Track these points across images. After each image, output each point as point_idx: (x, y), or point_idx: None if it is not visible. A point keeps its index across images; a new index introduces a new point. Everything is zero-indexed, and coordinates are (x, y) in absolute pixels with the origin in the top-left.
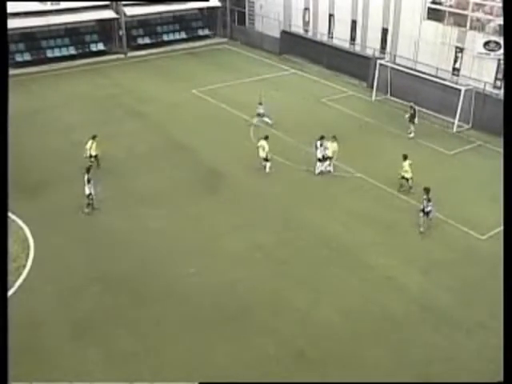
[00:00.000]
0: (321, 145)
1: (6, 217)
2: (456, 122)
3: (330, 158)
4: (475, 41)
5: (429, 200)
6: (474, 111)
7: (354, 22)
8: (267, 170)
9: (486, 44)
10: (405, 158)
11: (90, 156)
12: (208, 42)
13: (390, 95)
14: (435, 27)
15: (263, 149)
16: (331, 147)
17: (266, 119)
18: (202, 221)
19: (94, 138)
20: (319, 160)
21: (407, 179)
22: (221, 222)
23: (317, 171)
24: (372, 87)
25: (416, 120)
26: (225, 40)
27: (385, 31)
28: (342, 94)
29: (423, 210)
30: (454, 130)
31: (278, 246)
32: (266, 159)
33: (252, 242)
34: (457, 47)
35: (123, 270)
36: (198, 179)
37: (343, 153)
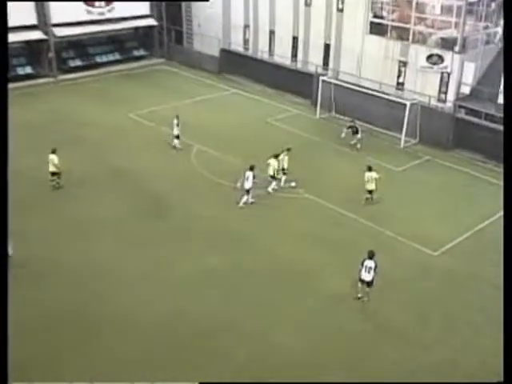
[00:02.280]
0: (253, 177)
1: (6, 217)
2: (403, 137)
3: (283, 173)
4: (418, 54)
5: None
6: (420, 125)
7: (295, 39)
8: (270, 189)
9: (429, 57)
10: (369, 169)
11: (52, 174)
12: (144, 62)
13: (335, 112)
14: (378, 41)
15: (273, 167)
16: (279, 162)
17: (176, 142)
18: (149, 249)
19: (53, 152)
20: (274, 177)
21: (370, 191)
22: (169, 248)
23: (270, 188)
24: (316, 105)
25: (359, 135)
26: (162, 60)
27: (327, 47)
28: (287, 113)
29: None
30: (402, 145)
31: (229, 270)
32: (273, 177)
33: (202, 268)
34: (400, 61)
35: (68, 303)
36: (143, 206)
37: (292, 173)
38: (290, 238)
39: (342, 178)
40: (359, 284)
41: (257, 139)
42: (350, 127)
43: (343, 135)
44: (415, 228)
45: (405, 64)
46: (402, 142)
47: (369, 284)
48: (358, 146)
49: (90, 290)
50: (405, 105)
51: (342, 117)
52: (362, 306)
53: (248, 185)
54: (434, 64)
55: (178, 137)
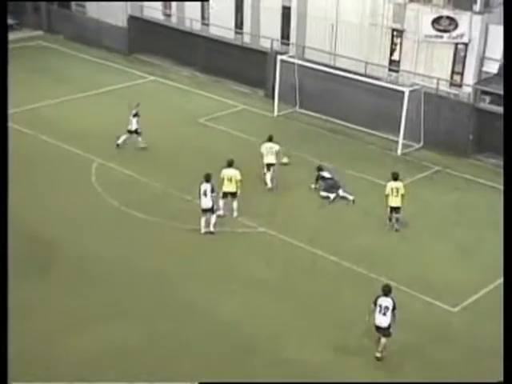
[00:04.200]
0: (212, 190)
1: (6, 216)
2: (400, 140)
3: (232, 195)
4: (419, 18)
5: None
6: (425, 122)
7: (239, 0)
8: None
9: (436, 22)
10: (394, 178)
11: None
12: (13, 36)
13: (300, 107)
14: (360, 2)
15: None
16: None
17: (140, 141)
18: (29, 315)
19: None
20: (204, 211)
21: (395, 209)
22: (59, 314)
23: (212, 227)
24: (272, 97)
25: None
26: (39, 33)
27: (286, 11)
28: (229, 109)
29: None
30: (399, 151)
31: (150, 346)
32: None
33: (110, 344)
34: (394, 30)
35: None
36: (19, 253)
37: (238, 198)
38: (241, 292)
39: (312, 202)
40: (377, 334)
41: (185, 148)
42: (318, 175)
43: (314, 186)
44: (423, 272)
45: (401, 33)
46: (400, 146)
47: (385, 332)
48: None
49: None
50: (402, 93)
51: (311, 113)
52: None
53: (207, 202)
54: (444, 31)
55: (136, 132)
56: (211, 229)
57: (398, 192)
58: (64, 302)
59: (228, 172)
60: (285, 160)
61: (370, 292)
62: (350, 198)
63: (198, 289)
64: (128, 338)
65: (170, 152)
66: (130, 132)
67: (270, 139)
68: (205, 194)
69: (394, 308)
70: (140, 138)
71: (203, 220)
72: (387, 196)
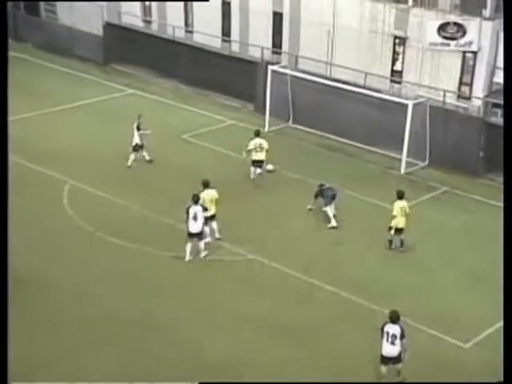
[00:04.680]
0: (204, 209)
1: (6, 214)
2: (404, 157)
3: (212, 218)
4: (424, 24)
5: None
6: (430, 138)
7: (226, 5)
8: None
9: (442, 28)
10: (399, 196)
11: None
12: None
13: (293, 122)
14: (359, 6)
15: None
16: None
17: (145, 154)
18: None
19: None
20: (192, 235)
21: (400, 230)
22: (17, 358)
23: (202, 252)
24: (263, 111)
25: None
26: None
27: (278, 17)
28: (215, 124)
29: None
30: (402, 170)
31: None
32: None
33: None
34: (396, 37)
35: None
36: None
37: (226, 222)
38: (230, 327)
39: (306, 227)
40: (382, 367)
41: (166, 168)
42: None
43: (310, 207)
44: (429, 302)
45: (403, 41)
46: (403, 165)
47: (395, 361)
48: (333, 223)
49: None
50: (405, 106)
51: (305, 129)
52: None
53: (197, 225)
54: (451, 39)
55: (141, 147)
56: (201, 254)
57: (405, 212)
58: (23, 345)
59: (208, 194)
60: (270, 167)
61: (371, 326)
62: (332, 223)
63: (182, 325)
64: None
65: (150, 171)
66: (135, 149)
67: (258, 134)
68: (195, 218)
69: (402, 336)
70: (145, 152)
71: (189, 246)
72: (394, 217)
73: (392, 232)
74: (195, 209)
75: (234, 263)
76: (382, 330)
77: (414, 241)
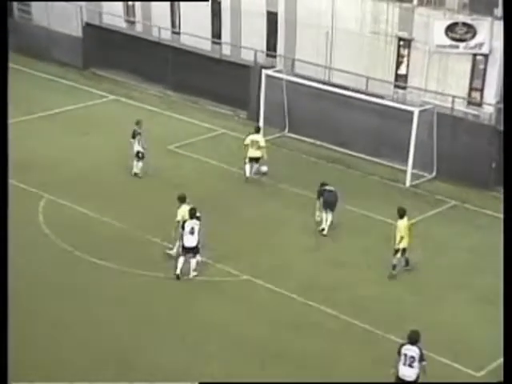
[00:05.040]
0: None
1: (6, 213)
2: (409, 169)
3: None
4: (430, 25)
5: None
6: (438, 148)
7: (216, 4)
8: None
9: (450, 29)
10: (401, 214)
11: None
12: None
13: (290, 131)
14: (360, 5)
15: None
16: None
17: (138, 165)
18: None
19: None
20: (187, 250)
21: (401, 250)
22: None
23: (192, 271)
24: (257, 119)
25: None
26: None
27: (272, 18)
28: (205, 133)
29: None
30: (407, 183)
31: None
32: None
33: None
34: (400, 39)
35: None
36: None
37: (216, 239)
38: (221, 354)
39: (303, 244)
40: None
41: (151, 181)
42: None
43: (318, 218)
44: (438, 328)
45: (408, 43)
46: (408, 177)
47: None
48: (324, 226)
49: None
50: (411, 113)
51: (302, 138)
52: None
53: (193, 240)
54: (460, 40)
55: (137, 155)
56: (191, 274)
57: (405, 229)
58: None
59: (184, 210)
60: (264, 169)
61: (375, 351)
62: (323, 225)
63: (168, 351)
64: None
65: (133, 185)
66: (139, 156)
67: (258, 131)
68: (191, 232)
69: (421, 359)
70: (139, 163)
71: (181, 261)
72: (402, 239)
73: (398, 255)
74: (191, 223)
75: (225, 284)
76: (400, 351)
77: (419, 261)
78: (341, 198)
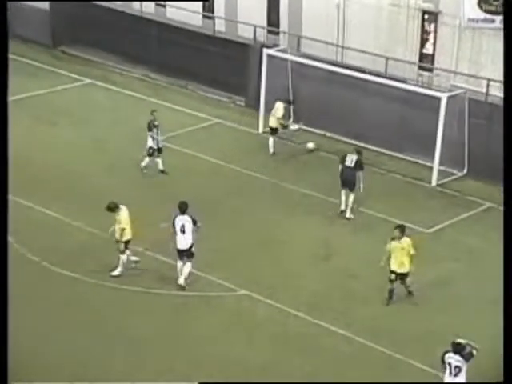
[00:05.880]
0: (194, 223)
1: (6, 215)
2: (436, 166)
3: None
4: None
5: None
6: (470, 141)
7: None
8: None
9: (484, 0)
10: (400, 231)
11: None
12: None
13: (295, 121)
14: None
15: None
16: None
17: (159, 162)
18: None
19: None
20: (181, 253)
21: (401, 275)
22: None
23: (183, 280)
24: (256, 107)
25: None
26: None
27: None
28: (196, 124)
29: None
30: (434, 182)
31: None
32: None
33: None
34: (424, 12)
35: None
36: None
37: (210, 248)
38: (214, 378)
39: (310, 254)
40: None
41: (132, 180)
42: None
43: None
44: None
45: (434, 17)
46: (435, 175)
47: None
48: (348, 214)
49: None
50: (437, 100)
51: (310, 129)
52: None
53: (185, 240)
54: (496, 13)
55: (158, 151)
56: (180, 280)
57: (408, 252)
58: None
59: (121, 215)
60: (310, 145)
61: (397, 380)
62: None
63: (157, 378)
64: None
65: (111, 185)
66: (150, 153)
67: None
68: (182, 231)
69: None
70: (147, 159)
71: (179, 266)
72: (390, 258)
73: (392, 277)
74: (182, 219)
75: (221, 300)
76: (443, 360)
77: (448, 272)
78: (356, 200)
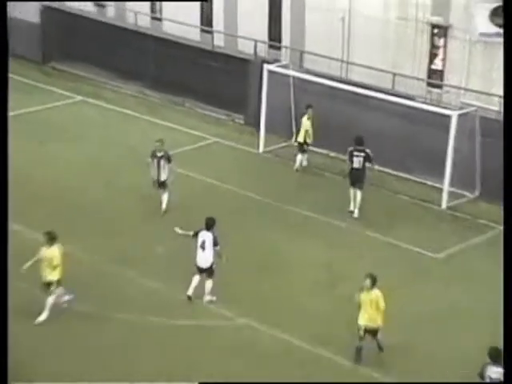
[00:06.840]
0: (214, 244)
1: (6, 219)
2: (446, 186)
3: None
4: (472, 9)
5: None
6: (482, 161)
7: None
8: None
9: (496, 14)
10: (373, 281)
11: None
12: None
13: (298, 139)
14: None
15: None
16: None
17: (164, 200)
18: None
19: None
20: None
21: (372, 331)
22: None
23: (208, 295)
24: (256, 125)
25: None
26: None
27: (275, 1)
28: (193, 143)
29: None
30: (444, 204)
31: None
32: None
33: None
34: (434, 26)
35: None
36: None
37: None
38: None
39: (315, 280)
40: None
41: (125, 201)
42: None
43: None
44: None
45: (444, 31)
46: (445, 196)
47: None
48: (351, 208)
49: None
50: (447, 118)
51: (313, 149)
52: None
53: (205, 258)
54: None
55: (160, 184)
56: (206, 298)
57: (376, 305)
58: None
59: (52, 252)
60: (303, 163)
61: None
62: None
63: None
64: None
65: (103, 206)
66: (160, 185)
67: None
68: (203, 247)
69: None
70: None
71: (196, 279)
72: (362, 310)
73: (361, 333)
74: (205, 235)
75: (219, 330)
76: (482, 375)
77: (458, 301)
78: (361, 224)
